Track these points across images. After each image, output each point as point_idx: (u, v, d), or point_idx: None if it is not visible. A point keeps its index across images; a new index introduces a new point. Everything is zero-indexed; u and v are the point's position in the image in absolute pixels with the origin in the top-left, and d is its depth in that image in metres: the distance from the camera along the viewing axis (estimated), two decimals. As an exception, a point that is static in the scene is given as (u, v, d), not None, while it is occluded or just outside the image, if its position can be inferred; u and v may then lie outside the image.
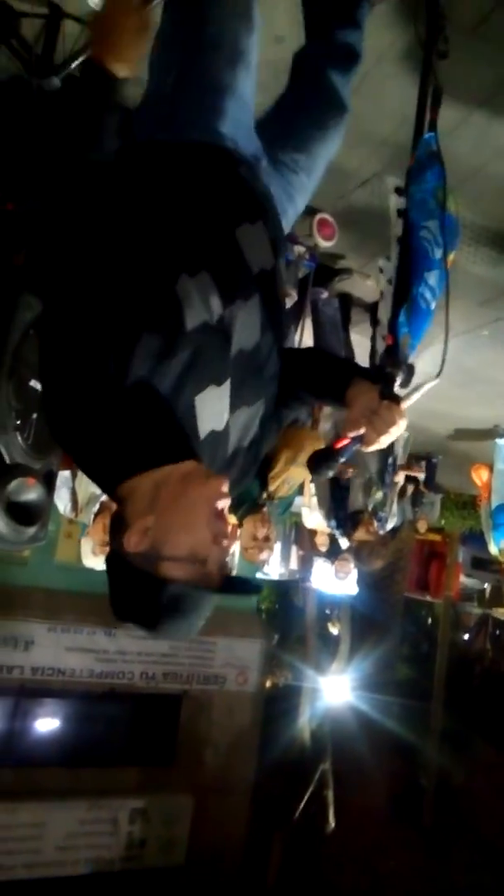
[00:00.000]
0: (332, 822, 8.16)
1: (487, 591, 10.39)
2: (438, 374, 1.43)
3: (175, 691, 6.16)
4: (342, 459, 1.36)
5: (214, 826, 6.14)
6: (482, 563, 8.70)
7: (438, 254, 1.94)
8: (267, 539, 2.82)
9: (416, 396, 1.36)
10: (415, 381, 1.42)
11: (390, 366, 1.34)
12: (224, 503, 1.08)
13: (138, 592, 1.04)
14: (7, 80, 1.96)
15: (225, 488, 1.08)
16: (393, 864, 7.57)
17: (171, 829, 6.04)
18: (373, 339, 3.81)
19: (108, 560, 1.10)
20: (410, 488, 5.81)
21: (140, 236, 1.16)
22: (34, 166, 1.89)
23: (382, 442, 1.28)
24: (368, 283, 3.64)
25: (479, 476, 4.66)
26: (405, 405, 1.30)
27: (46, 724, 5.83)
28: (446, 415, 5.31)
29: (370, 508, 3.43)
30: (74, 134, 1.22)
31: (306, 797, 8.15)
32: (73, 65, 2.11)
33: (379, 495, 3.46)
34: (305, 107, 1.65)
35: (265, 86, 1.68)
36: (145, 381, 1.06)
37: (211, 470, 1.14)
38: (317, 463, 1.37)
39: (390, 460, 3.47)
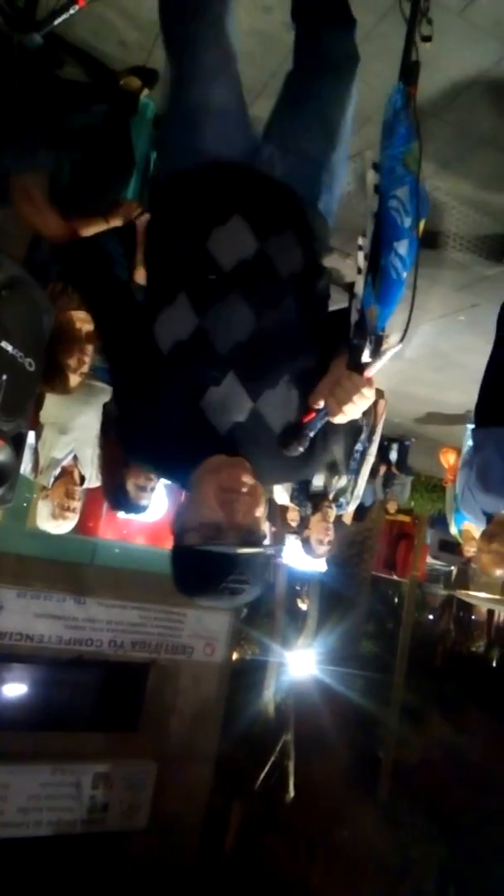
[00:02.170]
0: (291, 792, 8.34)
1: (453, 573, 10.59)
2: (401, 340, 1.44)
3: (143, 660, 6.22)
4: (311, 433, 1.37)
5: (177, 792, 6.25)
6: (449, 546, 8.84)
7: (408, 222, 1.91)
8: None
9: (379, 364, 1.34)
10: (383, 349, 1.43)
11: (357, 337, 1.33)
12: (235, 477, 1.24)
13: (174, 563, 1.30)
14: (-14, 34, 1.93)
15: (232, 468, 1.26)
16: (346, 833, 7.78)
17: (134, 794, 6.13)
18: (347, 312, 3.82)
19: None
20: (382, 469, 5.89)
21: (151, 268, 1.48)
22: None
23: (348, 412, 1.30)
24: (347, 261, 3.65)
25: (447, 459, 4.72)
26: (370, 373, 1.31)
27: (13, 688, 5.86)
28: (420, 398, 5.37)
29: (332, 495, 3.41)
30: None
31: (267, 767, 8.31)
32: (56, 21, 2.08)
33: (343, 481, 3.44)
34: (323, 97, 1.72)
35: (252, 56, 1.67)
36: (141, 406, 1.34)
37: (241, 453, 1.31)
38: (285, 438, 1.38)
39: (358, 447, 3.45)
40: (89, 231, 2.22)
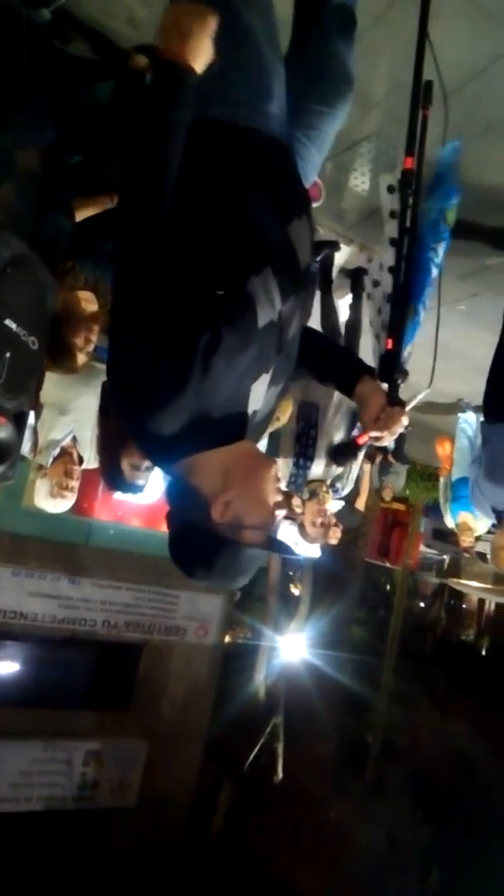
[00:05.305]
0: (280, 774, 8.44)
1: (446, 562, 10.67)
2: (429, 385, 1.86)
3: (136, 640, 6.26)
4: (360, 453, 1.60)
5: (166, 772, 6.32)
6: (443, 535, 8.91)
7: (436, 273, 2.06)
8: None
9: (414, 402, 1.64)
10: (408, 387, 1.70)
11: (398, 373, 1.58)
12: (277, 480, 1.29)
13: (215, 552, 1.23)
14: (-5, 8, 1.91)
15: (275, 467, 1.28)
16: (333, 814, 7.89)
17: (124, 773, 6.20)
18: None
19: (183, 524, 1.27)
20: (378, 457, 5.90)
21: (211, 234, 1.23)
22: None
23: (388, 439, 1.56)
24: (350, 248, 3.64)
25: (443, 448, 4.71)
26: (407, 408, 1.56)
27: (6, 666, 5.90)
28: (417, 386, 5.37)
29: (329, 481, 3.44)
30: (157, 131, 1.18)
31: (257, 749, 8.40)
32: (65, -2, 2.06)
33: (340, 468, 3.48)
34: (316, 82, 1.65)
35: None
36: (220, 373, 1.15)
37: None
38: (340, 454, 1.67)
39: (356, 432, 3.49)
40: (94, 209, 2.21)
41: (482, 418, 3.09)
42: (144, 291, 1.12)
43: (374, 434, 1.54)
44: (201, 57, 1.20)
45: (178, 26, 1.17)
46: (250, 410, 1.31)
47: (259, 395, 1.33)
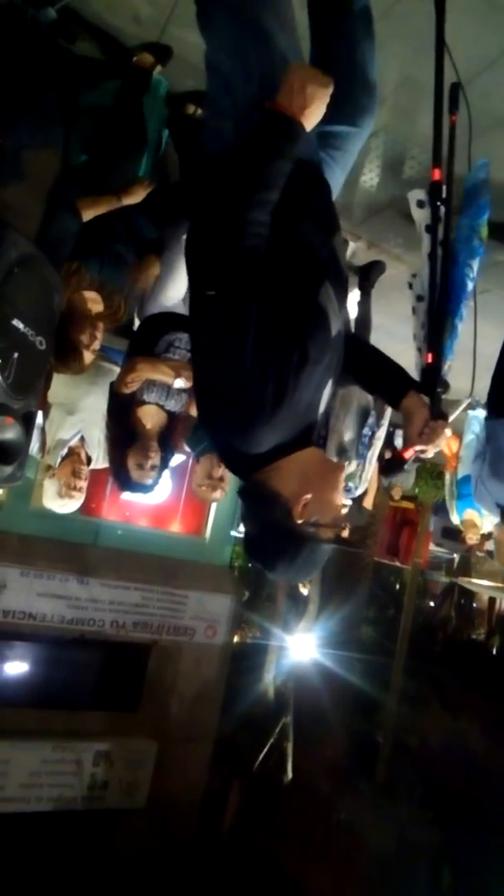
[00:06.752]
0: (289, 774, 8.42)
1: (456, 560, 10.60)
2: (470, 394, 2.00)
3: (144, 640, 6.25)
4: (407, 467, 1.73)
5: (176, 772, 6.30)
6: (452, 534, 8.84)
7: (471, 286, 2.09)
8: (221, 479, 2.75)
9: (455, 414, 1.66)
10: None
11: (441, 387, 1.64)
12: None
13: (297, 549, 1.35)
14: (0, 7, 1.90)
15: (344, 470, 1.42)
16: (343, 815, 7.86)
17: (134, 773, 6.18)
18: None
19: (265, 525, 1.37)
20: (387, 454, 5.87)
21: (275, 256, 1.30)
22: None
23: (432, 451, 1.63)
24: (357, 244, 3.62)
25: (449, 445, 4.67)
26: (449, 419, 1.63)
27: (15, 666, 5.91)
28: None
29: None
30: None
31: (266, 749, 8.39)
32: (70, -3, 2.05)
33: (353, 467, 3.45)
34: (342, 103, 1.64)
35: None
36: (305, 385, 1.28)
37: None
38: (389, 468, 1.80)
39: (366, 430, 3.47)
40: (101, 209, 2.21)
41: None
42: (244, 324, 1.19)
43: (418, 448, 1.60)
44: (315, 121, 1.34)
45: (304, 89, 1.28)
46: (318, 415, 1.43)
47: (325, 400, 1.44)
